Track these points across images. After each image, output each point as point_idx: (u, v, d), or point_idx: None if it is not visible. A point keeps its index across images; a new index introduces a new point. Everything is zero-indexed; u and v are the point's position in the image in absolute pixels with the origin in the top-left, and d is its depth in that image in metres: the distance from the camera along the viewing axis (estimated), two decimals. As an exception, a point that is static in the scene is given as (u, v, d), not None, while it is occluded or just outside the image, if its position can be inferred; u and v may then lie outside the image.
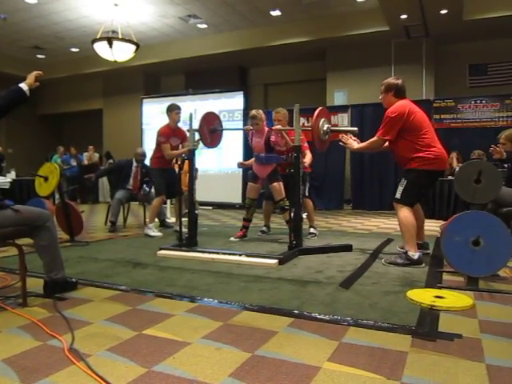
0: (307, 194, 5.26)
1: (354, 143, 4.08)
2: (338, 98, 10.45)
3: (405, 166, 3.73)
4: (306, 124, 9.11)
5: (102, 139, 13.95)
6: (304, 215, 4.86)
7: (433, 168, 3.64)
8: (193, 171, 4.63)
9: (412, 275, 3.27)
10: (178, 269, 3.56)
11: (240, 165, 5.40)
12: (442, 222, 5.99)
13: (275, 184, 4.86)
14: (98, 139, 13.86)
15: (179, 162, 4.63)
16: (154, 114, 11.22)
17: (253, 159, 5.11)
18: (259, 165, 4.93)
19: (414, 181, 3.66)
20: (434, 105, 8.53)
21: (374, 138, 3.84)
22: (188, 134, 4.62)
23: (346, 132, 4.24)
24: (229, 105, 10.21)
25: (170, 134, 5.45)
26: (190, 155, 4.56)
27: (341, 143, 4.14)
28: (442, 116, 8.46)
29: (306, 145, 5.19)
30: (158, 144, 5.45)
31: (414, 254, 3.62)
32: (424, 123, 3.73)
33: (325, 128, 4.25)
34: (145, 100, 11.57)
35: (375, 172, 8.91)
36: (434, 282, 3.05)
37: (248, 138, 5.08)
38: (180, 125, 5.67)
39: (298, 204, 4.20)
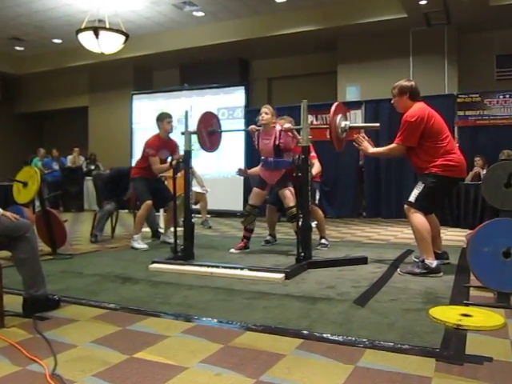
0: (317, 202, 5.25)
1: (369, 146, 4.12)
2: (351, 93, 10.47)
3: (423, 171, 3.80)
4: (314, 122, 9.13)
5: (88, 140, 13.99)
6: (313, 224, 4.86)
7: (453, 175, 3.75)
8: (189, 174, 4.63)
9: (435, 291, 3.26)
10: (172, 284, 3.56)
11: (241, 172, 5.29)
12: (468, 231, 5.96)
13: (286, 191, 4.82)
14: (83, 140, 13.91)
15: (173, 163, 4.63)
16: (145, 112, 11.24)
17: (257, 168, 5.11)
18: (267, 170, 4.92)
19: (432, 186, 3.73)
20: (458, 100, 8.52)
21: (393, 145, 3.91)
22: (187, 132, 4.61)
23: (366, 128, 4.24)
24: (228, 101, 10.23)
25: (160, 145, 5.46)
26: (186, 157, 4.57)
27: (354, 144, 4.15)
28: (467, 112, 8.44)
29: (313, 154, 5.13)
30: (145, 156, 5.45)
31: (432, 262, 3.70)
32: (443, 128, 3.83)
33: (342, 125, 4.24)
34: (135, 96, 11.61)
35: (393, 176, 8.89)
36: (459, 298, 3.04)
37: (253, 139, 5.03)
38: (171, 135, 5.63)
39: (307, 211, 4.20)
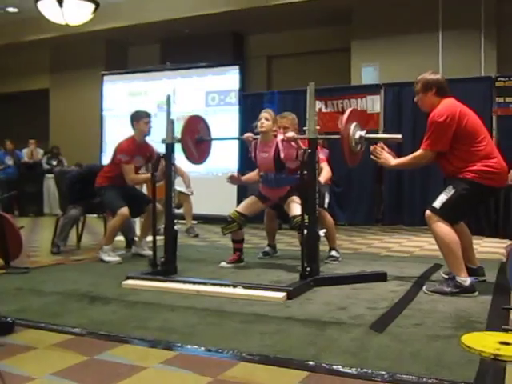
0: (326, 206, 5.26)
1: (390, 157, 4.14)
2: (367, 74, 10.49)
3: (455, 175, 3.81)
4: (323, 109, 9.15)
5: (49, 130, 13.97)
6: (322, 233, 4.86)
7: (492, 184, 3.77)
8: (171, 171, 4.62)
9: (468, 313, 3.26)
10: (151, 305, 3.55)
11: (233, 180, 5.26)
12: (507, 242, 5.98)
13: (291, 201, 4.80)
14: (43, 130, 13.90)
15: (152, 161, 4.65)
16: (118, 96, 11.24)
17: (254, 173, 5.12)
18: (268, 188, 4.95)
19: (464, 194, 3.74)
20: (497, 84, 8.54)
21: (419, 152, 3.93)
22: (168, 121, 4.62)
23: (385, 140, 4.28)
24: (220, 84, 10.24)
25: (135, 151, 5.46)
26: (168, 152, 4.57)
27: (372, 157, 4.18)
28: (508, 99, 8.46)
29: (322, 156, 5.11)
30: (117, 163, 5.46)
31: (465, 280, 3.70)
32: (480, 128, 3.86)
33: (357, 136, 4.23)
34: (106, 77, 11.60)
35: (417, 175, 8.90)
36: (498, 322, 3.04)
37: (249, 149, 5.03)
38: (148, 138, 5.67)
39: (314, 218, 4.20)
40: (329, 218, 5.28)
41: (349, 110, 4.36)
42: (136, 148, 5.49)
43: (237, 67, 10.28)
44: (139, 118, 5.52)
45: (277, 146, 4.75)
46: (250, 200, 5.03)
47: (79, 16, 8.53)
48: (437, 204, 3.77)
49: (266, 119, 4.76)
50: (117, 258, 5.40)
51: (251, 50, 12.66)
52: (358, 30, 10.70)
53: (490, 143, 3.88)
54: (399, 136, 4.43)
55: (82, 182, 6.32)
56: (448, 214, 3.75)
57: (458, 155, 3.80)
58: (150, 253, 5.05)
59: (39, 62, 14.04)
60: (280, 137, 4.76)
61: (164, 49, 12.91)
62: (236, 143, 9.50)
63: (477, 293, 3.69)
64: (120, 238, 6.17)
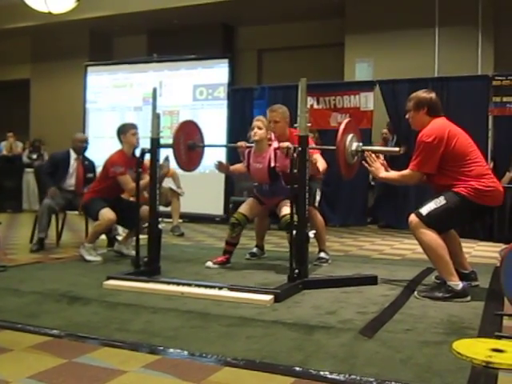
0: (317, 204, 5.26)
1: (381, 169, 4.21)
2: (361, 70, 10.51)
3: (449, 189, 3.86)
4: (315, 106, 9.15)
5: (29, 122, 13.88)
6: (311, 233, 4.87)
7: (485, 203, 3.84)
8: (155, 170, 4.61)
9: (461, 319, 3.28)
10: (132, 306, 3.55)
11: (221, 168, 5.21)
12: (502, 246, 6.02)
13: (283, 205, 4.81)
14: (23, 122, 13.80)
15: (138, 157, 4.66)
16: (102, 89, 11.20)
17: (240, 165, 5.12)
18: (263, 197, 4.99)
19: (454, 208, 3.80)
20: (494, 83, 8.56)
21: (407, 172, 4.03)
22: (154, 115, 4.61)
23: (383, 153, 4.35)
24: (208, 77, 10.21)
25: (127, 163, 5.48)
26: (153, 148, 4.56)
27: (364, 163, 4.24)
28: (505, 99, 8.49)
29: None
30: (111, 176, 5.44)
31: (457, 284, 3.75)
32: (470, 148, 3.92)
33: (353, 147, 4.30)
34: (90, 68, 11.54)
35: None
36: (490, 328, 3.06)
37: (241, 158, 5.05)
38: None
39: (304, 218, 4.21)
40: (319, 217, 5.28)
41: (345, 121, 4.42)
42: (127, 160, 5.49)
43: (226, 60, 10.24)
44: (126, 131, 5.56)
45: (270, 155, 4.76)
46: (250, 202, 5.05)
47: (63, 4, 8.46)
48: (423, 210, 3.82)
49: (259, 128, 4.77)
50: (98, 258, 5.38)
51: (241, 43, 12.64)
52: (352, 25, 10.71)
53: (482, 163, 3.92)
54: (396, 149, 4.52)
55: (54, 166, 6.39)
56: (432, 223, 3.80)
57: (448, 175, 3.87)
58: (133, 252, 5.06)
59: (20, 51, 13.93)
60: (275, 144, 4.77)
61: (151, 40, 12.86)
62: (224, 140, 9.47)
63: (469, 297, 3.74)
64: (102, 236, 6.15)
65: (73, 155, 6.35)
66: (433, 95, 4.06)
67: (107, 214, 5.34)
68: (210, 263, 4.98)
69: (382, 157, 4.28)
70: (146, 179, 4.96)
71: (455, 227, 4.21)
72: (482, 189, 3.77)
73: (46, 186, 6.21)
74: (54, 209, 6.16)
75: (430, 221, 3.79)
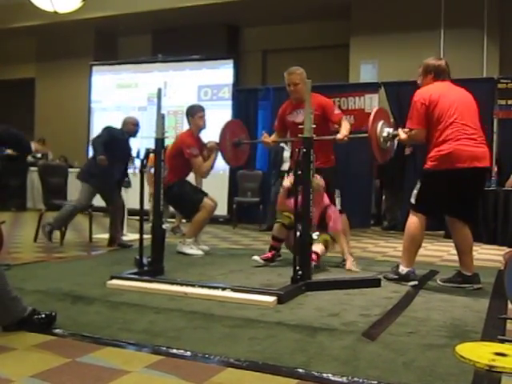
0: (339, 207, 5.23)
1: (402, 133, 4.43)
2: (366, 72, 10.50)
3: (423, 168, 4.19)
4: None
5: (34, 121, 13.90)
6: (315, 235, 4.84)
7: (450, 167, 3.97)
8: (160, 170, 4.61)
9: (464, 323, 3.28)
10: (136, 306, 3.55)
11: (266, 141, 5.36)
12: (506, 250, 6.01)
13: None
14: (28, 121, 13.82)
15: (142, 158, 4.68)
16: (107, 88, 11.21)
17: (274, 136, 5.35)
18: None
19: (428, 184, 4.14)
20: (499, 86, 8.56)
21: (408, 131, 4.31)
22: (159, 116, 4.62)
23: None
24: (213, 78, 10.24)
25: (198, 144, 5.70)
26: (158, 148, 4.57)
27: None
28: (510, 102, 8.48)
29: (337, 111, 5.23)
30: (185, 157, 5.60)
31: (404, 269, 4.25)
32: (447, 114, 4.02)
33: (385, 134, 4.53)
34: (95, 68, 11.57)
35: (413, 179, 8.92)
36: (493, 332, 3.06)
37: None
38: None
39: (307, 219, 4.20)
40: (345, 219, 5.36)
41: (375, 109, 4.76)
42: (197, 142, 5.72)
43: (231, 61, 10.27)
44: (194, 113, 5.74)
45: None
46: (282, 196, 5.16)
47: (68, 3, 8.48)
48: (412, 199, 4.18)
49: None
50: (200, 252, 5.62)
51: (246, 44, 12.64)
52: (357, 26, 10.69)
53: (454, 131, 3.99)
54: None
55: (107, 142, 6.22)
56: (420, 206, 4.12)
57: (429, 144, 4.13)
58: (201, 250, 5.56)
59: (25, 50, 13.96)
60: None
61: (156, 40, 12.86)
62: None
63: (415, 282, 4.22)
64: (105, 235, 6.17)
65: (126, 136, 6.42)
66: (441, 62, 4.30)
67: (209, 202, 5.64)
68: (256, 257, 5.02)
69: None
70: (211, 158, 5.61)
71: (443, 205, 4.25)
72: (437, 155, 4.00)
73: (97, 153, 6.06)
74: (82, 210, 6.25)
75: (417, 205, 4.12)
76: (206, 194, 5.73)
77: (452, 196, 4.08)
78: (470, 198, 4.18)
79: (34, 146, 5.95)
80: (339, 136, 4.87)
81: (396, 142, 4.74)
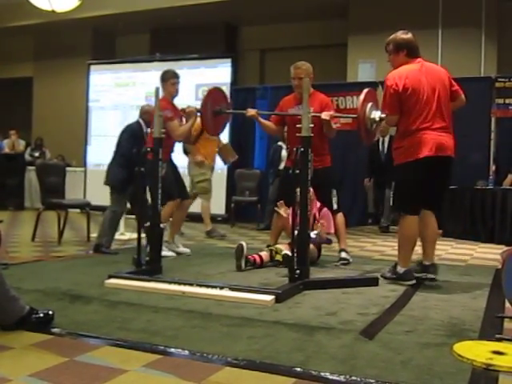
0: (336, 206, 5.22)
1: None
2: (364, 71, 10.51)
3: None
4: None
5: (32, 120, 13.89)
6: (313, 234, 4.85)
7: (406, 159, 4.02)
8: (158, 170, 4.61)
9: (461, 321, 3.28)
10: (134, 305, 3.55)
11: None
12: (503, 248, 6.01)
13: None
14: (26, 120, 13.82)
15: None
16: (105, 87, 11.20)
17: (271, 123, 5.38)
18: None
19: (400, 181, 4.23)
20: (497, 85, 8.58)
21: (384, 116, 4.36)
22: (157, 114, 4.61)
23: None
24: (211, 77, 10.20)
25: (174, 110, 5.44)
26: (156, 147, 4.56)
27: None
28: (508, 101, 8.50)
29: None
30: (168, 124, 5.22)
31: (401, 269, 4.24)
32: (418, 104, 4.00)
33: (373, 116, 4.50)
34: (93, 67, 11.56)
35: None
36: (491, 331, 3.06)
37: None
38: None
39: (305, 217, 4.20)
40: (339, 217, 5.32)
41: (365, 90, 4.65)
42: (173, 107, 5.49)
43: (229, 60, 10.27)
44: (166, 79, 5.55)
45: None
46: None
47: (66, 2, 8.48)
48: (391, 203, 4.22)
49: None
50: (171, 253, 5.49)
51: (244, 43, 12.65)
52: (355, 25, 10.71)
53: (425, 121, 3.99)
54: None
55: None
56: (401, 205, 4.20)
57: (397, 129, 4.24)
58: (186, 250, 5.54)
59: (23, 49, 13.95)
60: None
61: (153, 39, 12.86)
62: (226, 140, 9.45)
63: (412, 282, 4.21)
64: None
65: (143, 126, 6.09)
66: (410, 35, 4.19)
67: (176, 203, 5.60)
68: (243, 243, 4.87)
69: None
70: (189, 122, 5.35)
71: (420, 196, 4.20)
72: (399, 147, 4.09)
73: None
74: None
75: (398, 206, 4.23)
76: (184, 195, 5.60)
77: (424, 186, 4.10)
78: (438, 186, 4.22)
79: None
80: (324, 115, 4.88)
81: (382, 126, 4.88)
